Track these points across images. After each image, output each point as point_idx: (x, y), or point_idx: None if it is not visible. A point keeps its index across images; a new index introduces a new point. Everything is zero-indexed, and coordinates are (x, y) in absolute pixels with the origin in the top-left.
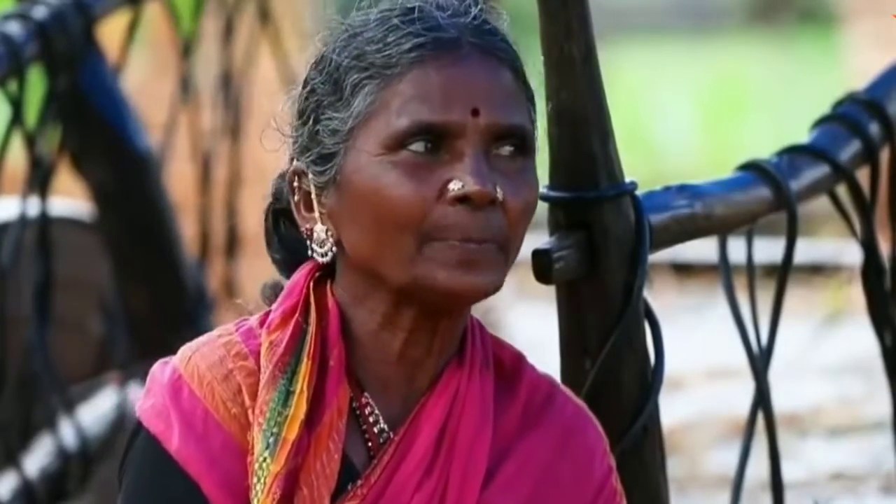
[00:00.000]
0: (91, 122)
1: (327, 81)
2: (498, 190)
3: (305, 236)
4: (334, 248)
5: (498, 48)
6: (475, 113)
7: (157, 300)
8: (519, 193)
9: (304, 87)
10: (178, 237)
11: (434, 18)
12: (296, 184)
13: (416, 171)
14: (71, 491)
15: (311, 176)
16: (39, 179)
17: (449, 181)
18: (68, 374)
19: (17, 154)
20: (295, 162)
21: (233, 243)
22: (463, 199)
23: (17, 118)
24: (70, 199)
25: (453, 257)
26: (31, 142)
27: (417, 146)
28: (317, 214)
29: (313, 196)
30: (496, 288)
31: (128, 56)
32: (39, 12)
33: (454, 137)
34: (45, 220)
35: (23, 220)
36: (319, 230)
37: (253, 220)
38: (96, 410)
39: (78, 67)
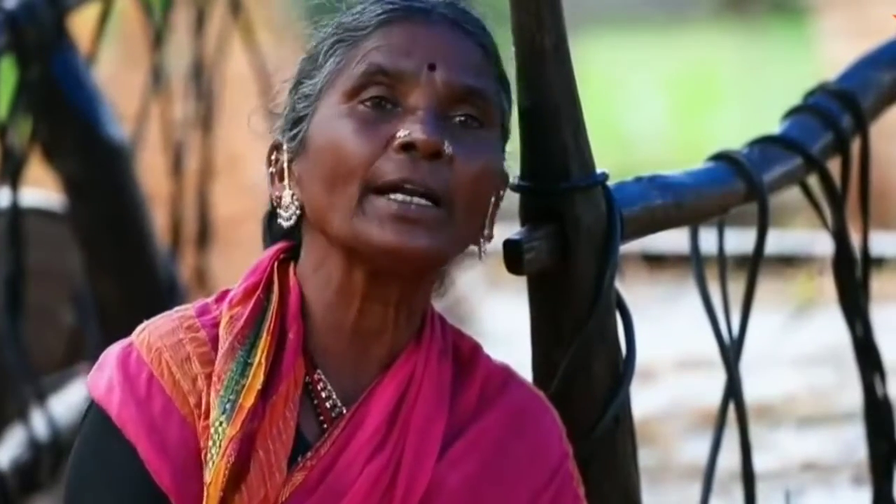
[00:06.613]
0: (63, 113)
1: (309, 57)
2: (447, 145)
3: (274, 205)
4: (298, 212)
5: (469, 22)
6: (432, 67)
7: (129, 290)
8: (473, 158)
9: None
10: (149, 228)
11: None
12: (273, 156)
13: (369, 123)
14: (43, 482)
15: (284, 145)
16: (11, 170)
17: (398, 132)
18: (40, 365)
19: None
20: (275, 137)
21: (204, 233)
22: (408, 147)
23: None
24: (41, 190)
25: (389, 212)
26: (2, 132)
27: (372, 99)
28: (286, 182)
29: (285, 166)
30: (436, 252)
31: (99, 47)
32: (10, 2)
33: (408, 90)
34: (16, 210)
35: None
36: (286, 195)
37: (224, 210)
38: (68, 401)
39: (49, 58)
